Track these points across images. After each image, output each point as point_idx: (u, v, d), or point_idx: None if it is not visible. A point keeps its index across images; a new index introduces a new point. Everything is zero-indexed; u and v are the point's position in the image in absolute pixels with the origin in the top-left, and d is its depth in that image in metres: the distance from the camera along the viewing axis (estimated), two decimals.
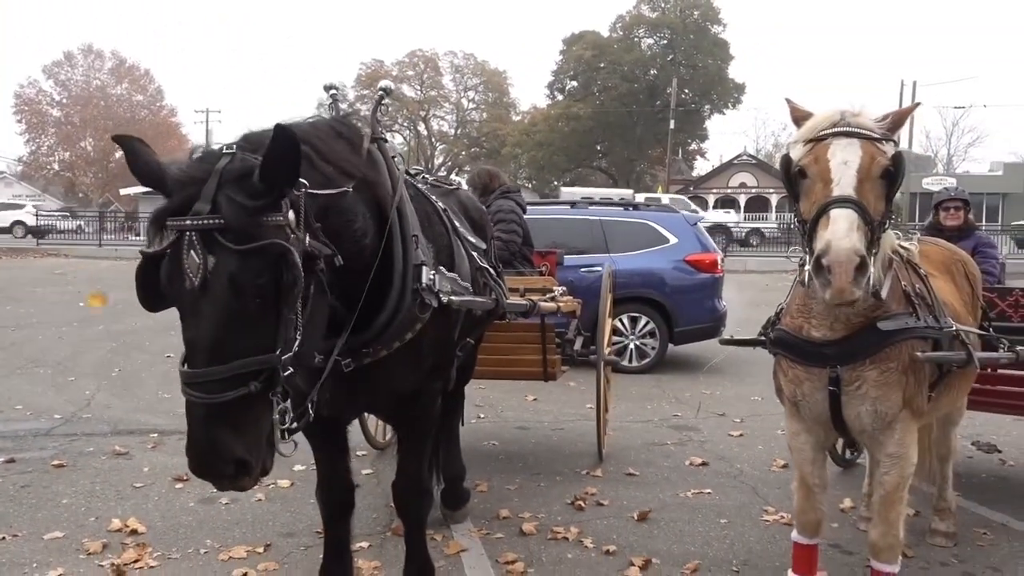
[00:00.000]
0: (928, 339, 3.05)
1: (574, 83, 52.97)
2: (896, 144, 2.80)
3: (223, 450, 2.01)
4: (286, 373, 2.06)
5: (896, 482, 3.06)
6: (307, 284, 2.11)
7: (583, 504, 4.84)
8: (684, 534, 4.43)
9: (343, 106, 3.08)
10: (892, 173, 2.72)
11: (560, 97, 54.90)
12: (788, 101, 2.96)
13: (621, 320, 9.62)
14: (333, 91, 2.91)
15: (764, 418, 7.08)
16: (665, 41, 51.70)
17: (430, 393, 3.15)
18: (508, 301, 3.96)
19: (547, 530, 4.41)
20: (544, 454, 6.07)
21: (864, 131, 2.74)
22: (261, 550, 4.08)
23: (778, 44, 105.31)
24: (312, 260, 2.12)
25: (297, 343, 2.07)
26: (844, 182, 2.65)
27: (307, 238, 2.12)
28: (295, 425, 2.19)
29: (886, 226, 2.76)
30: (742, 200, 47.87)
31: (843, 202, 2.60)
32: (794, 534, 3.42)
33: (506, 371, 5.54)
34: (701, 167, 56.65)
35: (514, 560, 4.00)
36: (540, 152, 53.10)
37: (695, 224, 10.14)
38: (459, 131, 64.07)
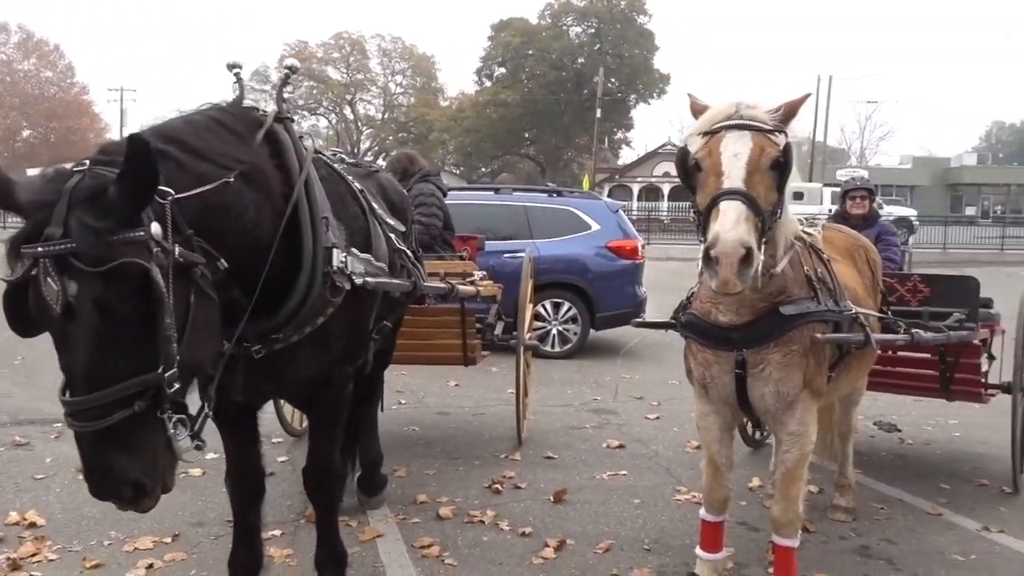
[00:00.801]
0: (829, 322, 3.16)
1: (502, 70, 52.93)
2: (787, 135, 2.84)
3: (118, 474, 1.98)
4: (172, 389, 2.00)
5: (796, 459, 3.18)
6: (186, 293, 2.04)
7: (500, 488, 4.87)
8: (599, 515, 4.51)
9: (277, 87, 3.01)
10: (782, 164, 2.78)
11: (488, 83, 54.79)
12: (689, 96, 3.00)
13: (544, 306, 9.69)
14: (236, 71, 2.80)
15: (680, 401, 7.23)
16: (592, 30, 52.06)
17: (342, 378, 3.11)
18: (426, 284, 3.93)
19: (464, 514, 4.43)
20: (464, 439, 6.08)
21: (756, 123, 2.79)
22: (169, 540, 3.98)
23: (703, 36, 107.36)
24: (186, 269, 2.05)
25: (179, 356, 2.00)
26: (734, 174, 2.70)
27: (176, 248, 2.03)
28: (198, 429, 2.13)
29: (778, 215, 2.81)
30: (666, 189, 48.66)
31: (732, 194, 2.66)
32: (702, 511, 3.52)
33: (426, 355, 5.52)
34: (627, 156, 57.42)
35: (430, 544, 4.00)
36: (468, 138, 52.94)
37: (616, 211, 10.27)
38: (386, 115, 63.29)
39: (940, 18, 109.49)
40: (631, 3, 51.27)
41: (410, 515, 4.41)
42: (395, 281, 3.36)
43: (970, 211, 50.79)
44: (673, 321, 3.39)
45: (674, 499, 4.77)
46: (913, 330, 3.79)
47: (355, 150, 61.38)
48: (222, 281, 2.22)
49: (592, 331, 9.93)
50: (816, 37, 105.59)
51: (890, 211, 32.18)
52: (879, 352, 4.39)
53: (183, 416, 2.06)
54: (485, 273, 5.40)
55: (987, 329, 4.97)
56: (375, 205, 3.46)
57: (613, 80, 50.70)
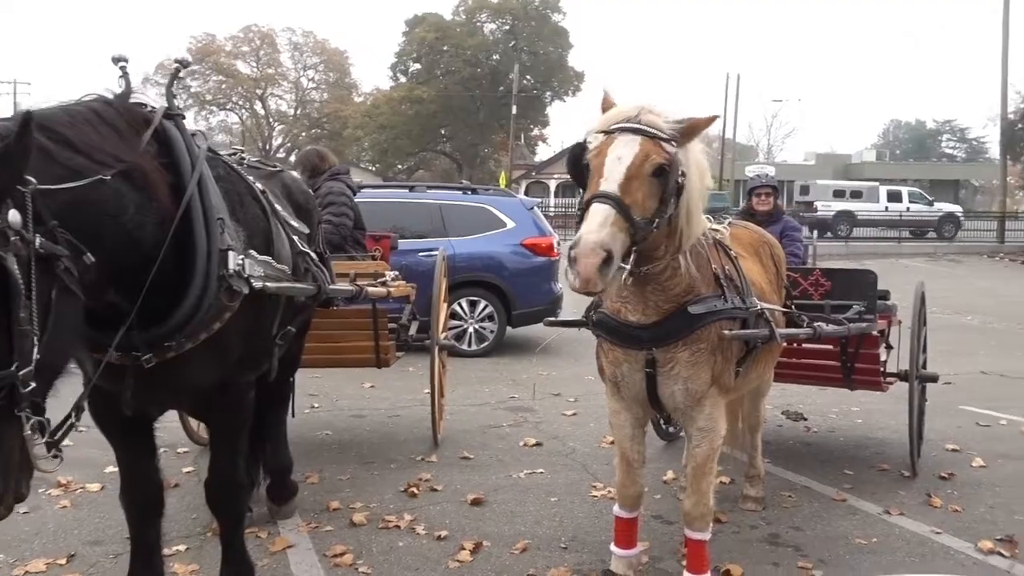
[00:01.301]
0: (736, 319, 3.21)
1: (417, 66, 52.39)
2: (675, 146, 2.81)
3: None
4: (28, 388, 1.87)
5: (706, 454, 3.23)
6: (47, 287, 1.92)
7: (416, 491, 4.80)
8: (515, 515, 4.49)
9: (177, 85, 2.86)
10: (667, 172, 2.76)
11: (403, 79, 54.22)
12: (604, 92, 2.99)
13: (460, 304, 9.65)
14: (122, 64, 2.65)
15: (596, 397, 7.26)
16: (507, 27, 52.05)
17: (242, 385, 2.99)
18: (333, 287, 3.83)
19: (379, 519, 4.34)
20: (379, 442, 5.98)
21: (650, 129, 2.79)
22: (63, 561, 3.77)
23: (616, 34, 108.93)
24: (48, 262, 1.93)
25: (37, 354, 1.87)
26: (612, 177, 2.69)
27: (37, 239, 1.91)
28: (58, 437, 2.00)
29: (655, 223, 2.76)
30: None
31: (603, 197, 2.64)
32: (616, 508, 3.54)
33: (337, 358, 5.40)
34: (544, 153, 57.72)
35: (343, 552, 3.90)
36: (383, 135, 52.26)
37: (532, 208, 10.30)
38: (299, 111, 61.95)
39: (842, 19, 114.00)
40: (545, 1, 51.52)
41: (323, 523, 4.30)
42: (298, 285, 3.25)
43: None
44: (585, 320, 3.39)
45: (590, 495, 4.80)
46: (816, 324, 3.90)
47: (267, 146, 59.93)
48: (97, 283, 2.09)
49: (509, 329, 9.94)
50: (726, 36, 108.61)
51: (940, 207, 33.06)
52: (784, 345, 4.52)
53: (41, 419, 1.92)
54: (397, 273, 5.31)
55: (884, 320, 5.17)
56: (278, 206, 3.35)
57: (528, 77, 50.84)
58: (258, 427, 4.22)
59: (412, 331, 5.86)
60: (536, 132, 58.57)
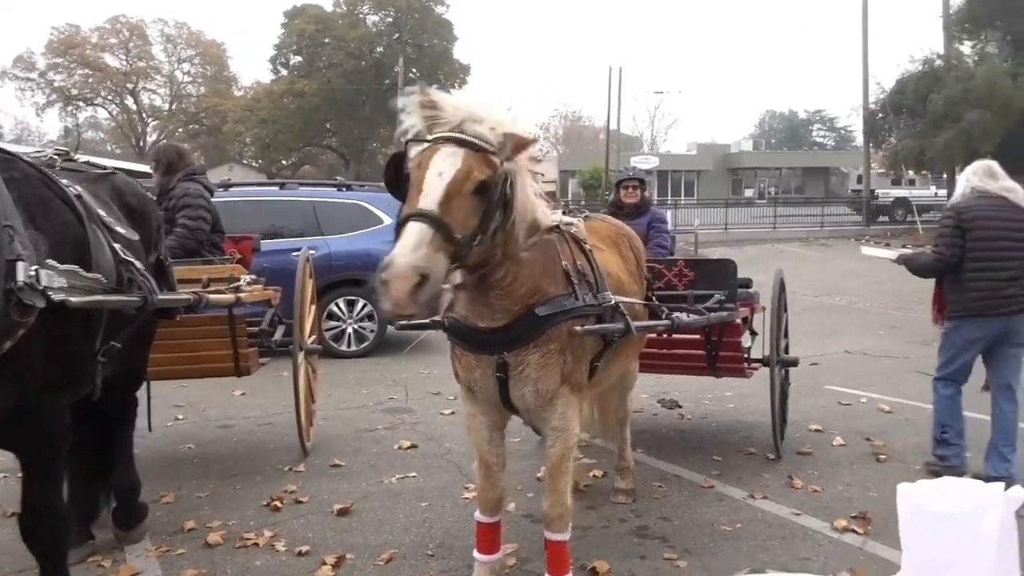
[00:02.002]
0: (588, 315, 3.16)
1: (298, 58, 51.04)
2: (503, 162, 2.69)
3: None
4: None
5: (561, 453, 3.17)
6: None
7: (280, 504, 4.58)
8: (383, 523, 4.34)
9: None
10: (489, 189, 2.62)
11: (284, 72, 52.69)
12: (421, 89, 2.77)
13: (338, 304, 9.40)
14: None
15: None
16: (391, 19, 51.35)
17: (53, 409, 2.73)
18: (165, 296, 3.54)
19: (236, 538, 4.11)
20: (245, 453, 5.71)
21: (475, 140, 2.64)
22: None
23: (502, 26, 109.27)
24: None
25: None
26: (431, 194, 2.53)
27: None
28: None
29: (477, 240, 2.63)
30: None
31: (420, 216, 2.50)
32: (477, 513, 3.45)
33: (193, 368, 5.10)
34: None
35: None
36: (265, 130, 50.63)
37: None
38: (174, 106, 59.32)
39: (719, 12, 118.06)
40: None
41: (175, 545, 4.04)
42: (112, 297, 2.96)
43: (749, 193, 55.21)
44: (440, 323, 3.27)
45: (462, 498, 4.70)
46: (674, 315, 3.92)
47: (141, 143, 57.12)
48: None
49: (390, 328, 9.72)
50: (609, 28, 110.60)
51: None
52: (650, 336, 4.54)
53: None
54: (253, 277, 5.05)
55: (747, 308, 5.28)
56: (101, 211, 3.08)
57: (414, 70, 50.21)
58: (102, 448, 3.95)
59: (277, 336, 5.61)
60: None
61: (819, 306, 14.05)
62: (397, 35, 50.83)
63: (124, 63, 56.84)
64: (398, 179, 2.71)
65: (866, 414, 6.66)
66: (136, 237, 3.41)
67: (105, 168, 3.71)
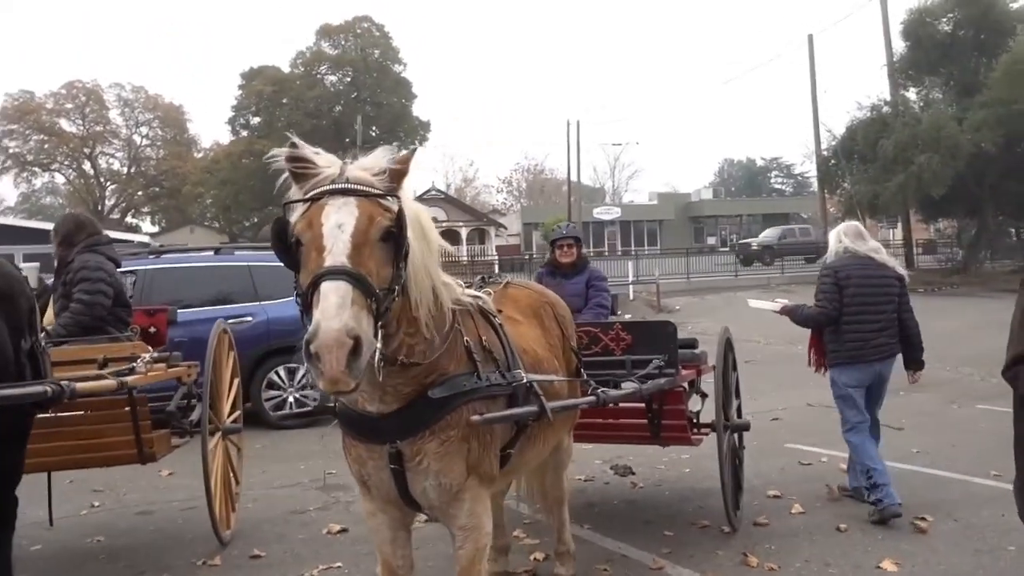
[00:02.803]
0: (494, 396, 2.83)
1: (257, 119, 51.02)
2: (399, 199, 2.46)
3: None
4: None
5: (471, 555, 2.80)
6: None
7: None
8: None
9: None
10: (394, 234, 2.39)
11: (244, 133, 52.59)
12: (291, 144, 2.48)
13: (278, 372, 8.98)
14: None
15: None
16: (349, 79, 51.68)
17: None
18: (7, 392, 3.05)
19: None
20: (160, 544, 5.24)
21: (363, 187, 2.39)
22: None
23: (460, 84, 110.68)
24: None
25: None
26: (337, 249, 2.27)
27: None
28: None
29: (395, 292, 2.42)
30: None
31: (334, 273, 2.23)
32: None
33: (93, 457, 4.65)
34: None
35: None
36: (224, 191, 50.32)
37: None
38: (133, 169, 58.76)
39: (673, 66, 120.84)
40: (384, 52, 51.53)
41: None
42: None
43: (711, 240, 55.71)
44: (328, 407, 2.92)
45: None
46: (600, 390, 3.57)
47: (99, 207, 56.33)
48: None
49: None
50: (566, 84, 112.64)
51: None
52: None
53: None
54: (158, 353, 4.65)
55: (692, 370, 4.99)
56: None
57: (374, 128, 50.52)
58: None
59: (195, 415, 5.18)
60: None
61: (782, 356, 13.84)
62: (355, 94, 51.11)
63: (81, 128, 56.41)
64: (286, 248, 2.40)
65: (827, 475, 6.33)
66: None
67: None
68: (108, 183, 59.14)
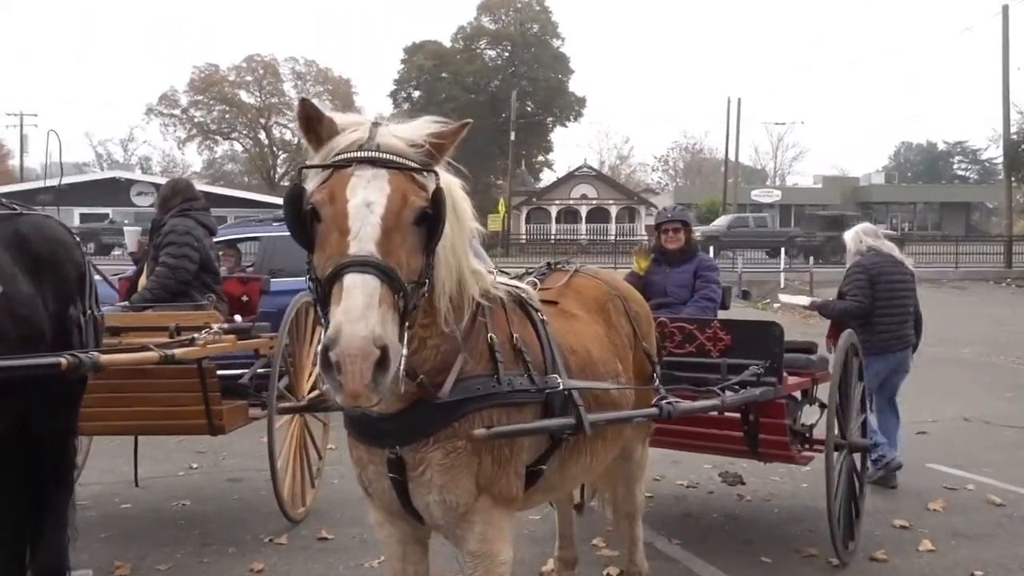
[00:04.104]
0: (519, 404, 2.42)
1: (417, 93, 52.18)
2: (437, 176, 2.09)
3: None
4: None
5: None
6: None
7: None
8: None
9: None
10: (432, 217, 2.03)
11: (405, 107, 54.00)
12: (304, 102, 2.14)
13: None
14: None
15: None
16: (507, 53, 51.81)
17: None
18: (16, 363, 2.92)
19: None
20: (238, 515, 5.22)
21: (400, 158, 2.03)
22: None
23: (616, 59, 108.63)
24: None
25: None
26: (365, 234, 1.93)
27: None
28: None
29: (426, 287, 2.07)
30: (583, 211, 48.54)
31: (361, 265, 1.89)
32: None
33: (163, 425, 4.63)
34: (550, 178, 57.19)
35: None
36: None
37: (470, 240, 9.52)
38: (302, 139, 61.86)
39: (845, 39, 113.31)
40: (544, 27, 51.23)
41: None
42: None
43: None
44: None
45: None
46: (664, 402, 3.05)
47: (272, 174, 59.78)
48: None
49: None
50: (727, 59, 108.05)
51: None
52: None
53: None
54: (227, 324, 4.54)
55: (806, 379, 4.36)
56: None
57: (529, 103, 50.44)
58: (29, 515, 3.51)
59: (283, 384, 5.09)
60: (541, 158, 58.15)
61: (940, 359, 12.46)
62: (512, 69, 51.13)
63: (258, 99, 59.83)
64: (301, 223, 2.07)
65: (970, 507, 5.47)
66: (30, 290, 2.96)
67: (13, 208, 3.27)
68: (280, 152, 62.51)
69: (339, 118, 2.15)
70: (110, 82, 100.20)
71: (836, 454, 4.28)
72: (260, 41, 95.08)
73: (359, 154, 2.03)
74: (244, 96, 59.61)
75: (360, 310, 1.83)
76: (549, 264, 3.41)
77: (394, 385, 1.97)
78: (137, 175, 47.16)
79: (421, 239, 2.05)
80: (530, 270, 3.34)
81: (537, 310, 2.66)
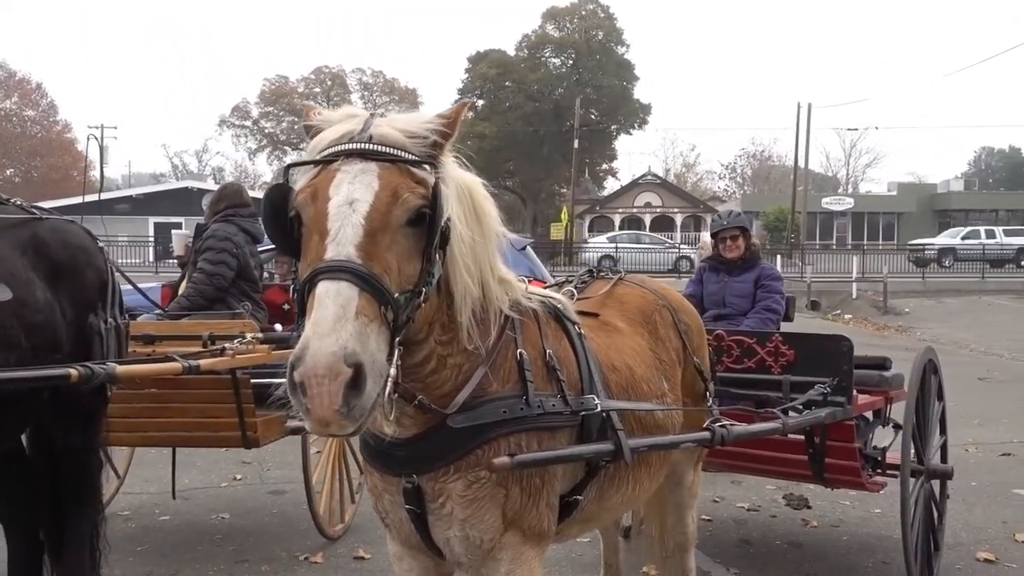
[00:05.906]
0: (550, 428, 2.16)
1: (481, 101, 52.33)
2: (437, 169, 1.85)
3: None
4: None
5: None
6: None
7: None
8: None
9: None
10: (429, 218, 1.79)
11: (470, 115, 54.24)
12: (307, 106, 1.96)
13: None
14: None
15: None
16: (571, 61, 51.52)
17: None
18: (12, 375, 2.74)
19: None
20: (276, 530, 5.06)
21: (391, 151, 1.81)
22: None
23: (683, 66, 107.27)
24: None
25: None
26: (344, 236, 1.71)
27: None
28: None
29: (422, 296, 1.82)
30: (647, 220, 47.95)
31: (335, 271, 1.67)
32: None
33: (197, 437, 4.48)
34: (614, 187, 56.68)
35: None
36: None
37: (524, 248, 9.29)
38: None
39: (922, 42, 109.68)
40: (608, 34, 50.78)
41: None
42: None
43: None
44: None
45: None
46: (716, 425, 2.74)
47: None
48: None
49: None
50: (796, 64, 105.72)
51: None
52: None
53: None
54: (261, 335, 4.37)
55: (879, 397, 3.99)
56: None
57: (593, 111, 50.02)
58: (48, 537, 3.41)
59: None
60: (604, 166, 57.69)
61: None
62: (576, 76, 50.84)
63: (326, 110, 61.02)
64: (283, 228, 1.86)
65: None
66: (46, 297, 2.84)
67: (33, 213, 3.16)
68: None
69: (333, 112, 1.95)
70: (187, 95, 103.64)
71: (913, 480, 3.90)
72: (329, 52, 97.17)
73: (348, 146, 1.81)
74: None
75: (330, 322, 1.60)
76: (591, 271, 3.13)
77: (382, 410, 1.74)
78: (209, 184, 48.43)
79: (417, 242, 1.80)
80: (570, 278, 3.09)
81: (574, 323, 2.40)
